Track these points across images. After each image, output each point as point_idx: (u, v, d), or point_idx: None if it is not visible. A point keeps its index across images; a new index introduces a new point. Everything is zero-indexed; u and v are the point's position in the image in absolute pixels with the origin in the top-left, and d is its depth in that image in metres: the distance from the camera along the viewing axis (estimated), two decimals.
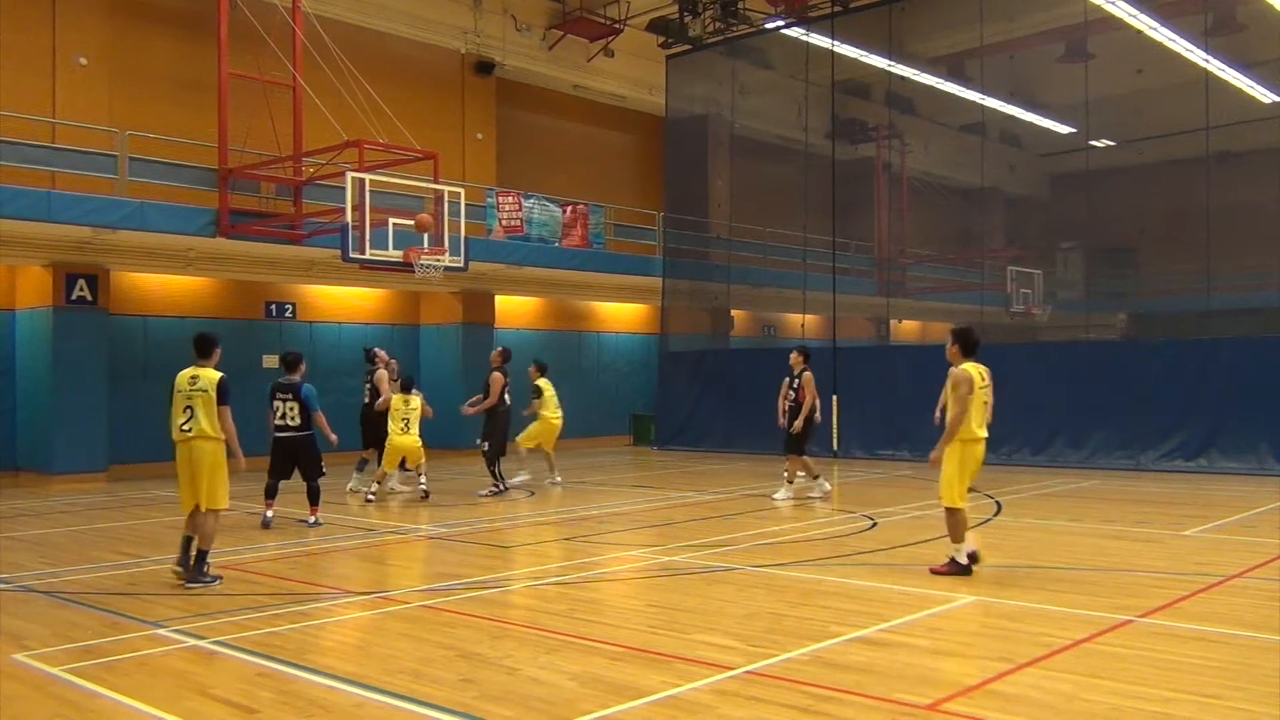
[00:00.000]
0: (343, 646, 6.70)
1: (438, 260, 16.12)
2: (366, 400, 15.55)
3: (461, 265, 16.79)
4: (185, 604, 7.74)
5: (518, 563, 9.79)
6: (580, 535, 11.07)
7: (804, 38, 23.42)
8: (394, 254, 15.80)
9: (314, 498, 12.01)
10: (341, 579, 8.90)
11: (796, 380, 13.81)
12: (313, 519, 11.92)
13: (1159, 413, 17.45)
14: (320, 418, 11.89)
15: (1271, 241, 23.68)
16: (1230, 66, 22.52)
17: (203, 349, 8.89)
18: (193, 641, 6.62)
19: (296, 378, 11.96)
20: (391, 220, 15.77)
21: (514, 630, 6.93)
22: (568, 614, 7.37)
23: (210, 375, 8.56)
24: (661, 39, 24.91)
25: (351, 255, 15.39)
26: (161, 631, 6.87)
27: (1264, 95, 23.81)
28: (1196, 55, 21.36)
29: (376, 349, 16.07)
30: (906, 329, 32.29)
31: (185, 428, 8.43)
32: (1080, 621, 6.87)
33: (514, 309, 24.12)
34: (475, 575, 8.93)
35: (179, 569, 8.45)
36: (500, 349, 15.88)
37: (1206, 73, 20.88)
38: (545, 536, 11.07)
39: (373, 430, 15.22)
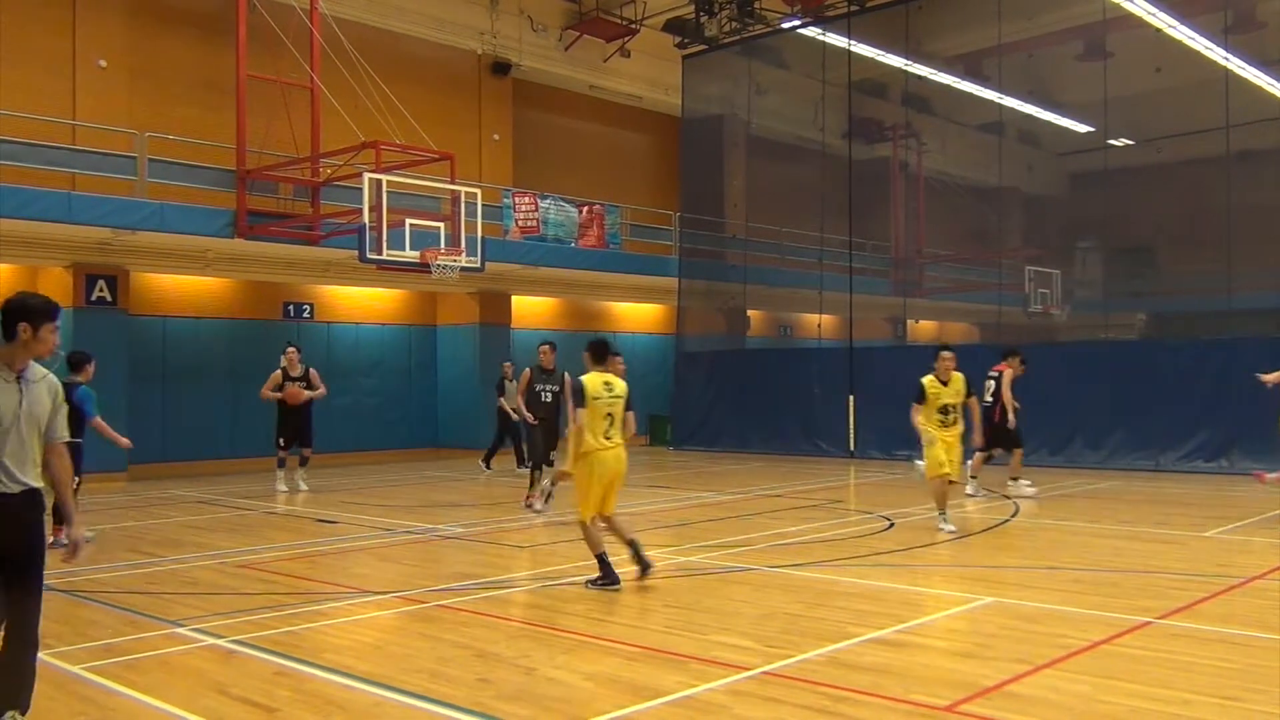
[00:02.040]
0: (360, 646, 6.72)
1: (454, 261, 16.15)
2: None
3: (478, 266, 16.82)
4: (204, 603, 7.79)
5: (534, 563, 9.81)
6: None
7: (820, 37, 23.37)
8: (411, 255, 15.85)
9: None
10: (359, 578, 8.94)
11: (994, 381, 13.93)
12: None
13: (1179, 413, 17.33)
14: (99, 423, 10.43)
15: None
16: (1250, 64, 22.35)
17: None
18: (211, 640, 6.66)
19: (80, 379, 10.30)
20: (408, 221, 15.83)
21: (530, 630, 6.94)
22: (584, 614, 7.37)
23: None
24: (678, 39, 24.89)
25: (369, 256, 15.44)
26: (181, 630, 6.91)
27: None
28: (1216, 53, 21.20)
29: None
30: (923, 329, 32.16)
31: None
32: (1098, 623, 6.84)
33: (530, 309, 24.15)
34: (492, 575, 8.95)
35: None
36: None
37: (1226, 71, 20.73)
38: (561, 536, 11.08)
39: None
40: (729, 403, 23.23)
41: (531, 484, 13.15)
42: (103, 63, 17.77)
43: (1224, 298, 20.80)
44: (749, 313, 26.45)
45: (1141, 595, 7.77)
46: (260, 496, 14.99)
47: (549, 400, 12.98)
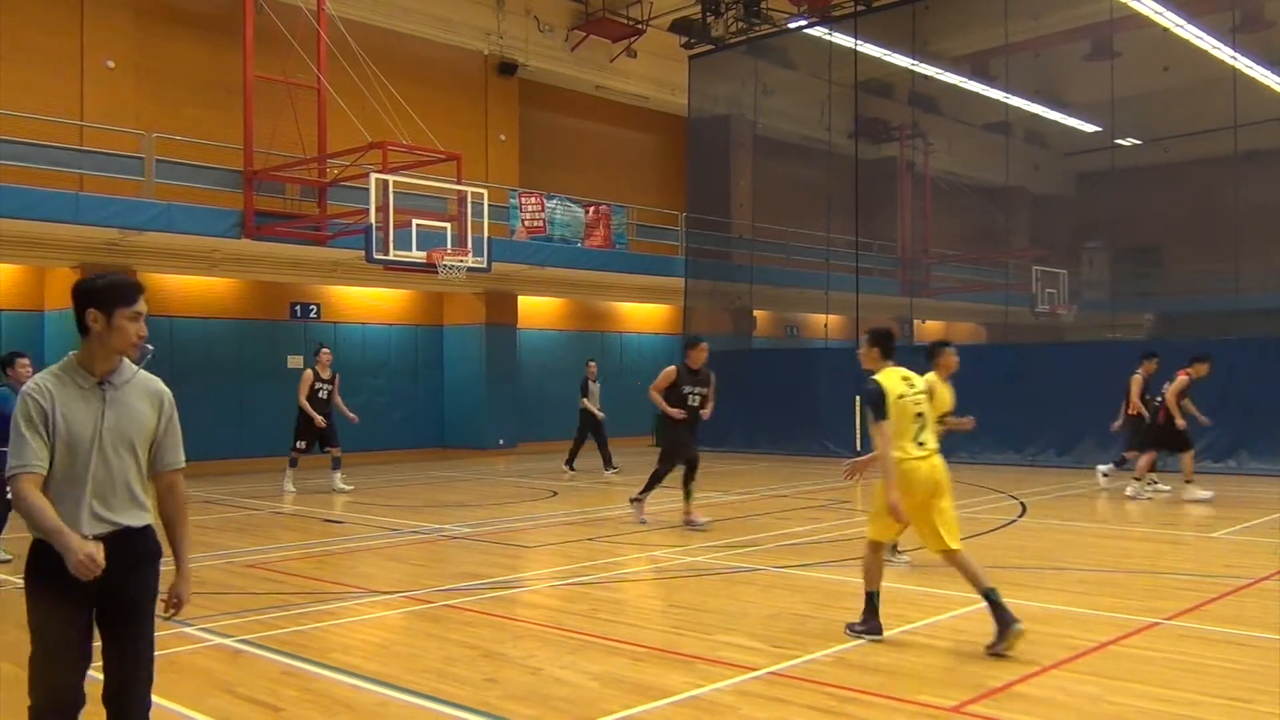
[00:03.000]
0: (367, 645, 6.73)
1: (461, 261, 16.16)
2: None
3: (484, 266, 16.83)
4: (211, 603, 7.80)
5: (540, 563, 9.81)
6: (602, 535, 11.08)
7: (827, 37, 23.35)
8: (417, 255, 15.87)
9: None
10: (365, 578, 8.95)
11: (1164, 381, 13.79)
12: None
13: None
14: None
15: None
16: (1258, 64, 22.30)
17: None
18: (219, 640, 6.67)
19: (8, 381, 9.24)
20: (415, 221, 15.84)
21: (537, 630, 6.94)
22: (590, 614, 7.38)
23: None
24: (684, 39, 24.89)
25: (375, 256, 15.46)
26: (188, 630, 6.92)
27: None
28: (1224, 52, 21.16)
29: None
30: (930, 329, 32.12)
31: None
32: (1105, 624, 6.82)
33: (537, 309, 24.17)
34: (498, 575, 8.95)
35: None
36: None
37: (1234, 70, 20.68)
38: (567, 536, 11.09)
39: None
40: (735, 403, 23.16)
41: (647, 488, 11.86)
42: (110, 63, 17.81)
43: (1231, 297, 20.75)
44: (755, 313, 26.43)
45: (1149, 596, 7.75)
46: (267, 496, 15.02)
47: (695, 404, 11.65)
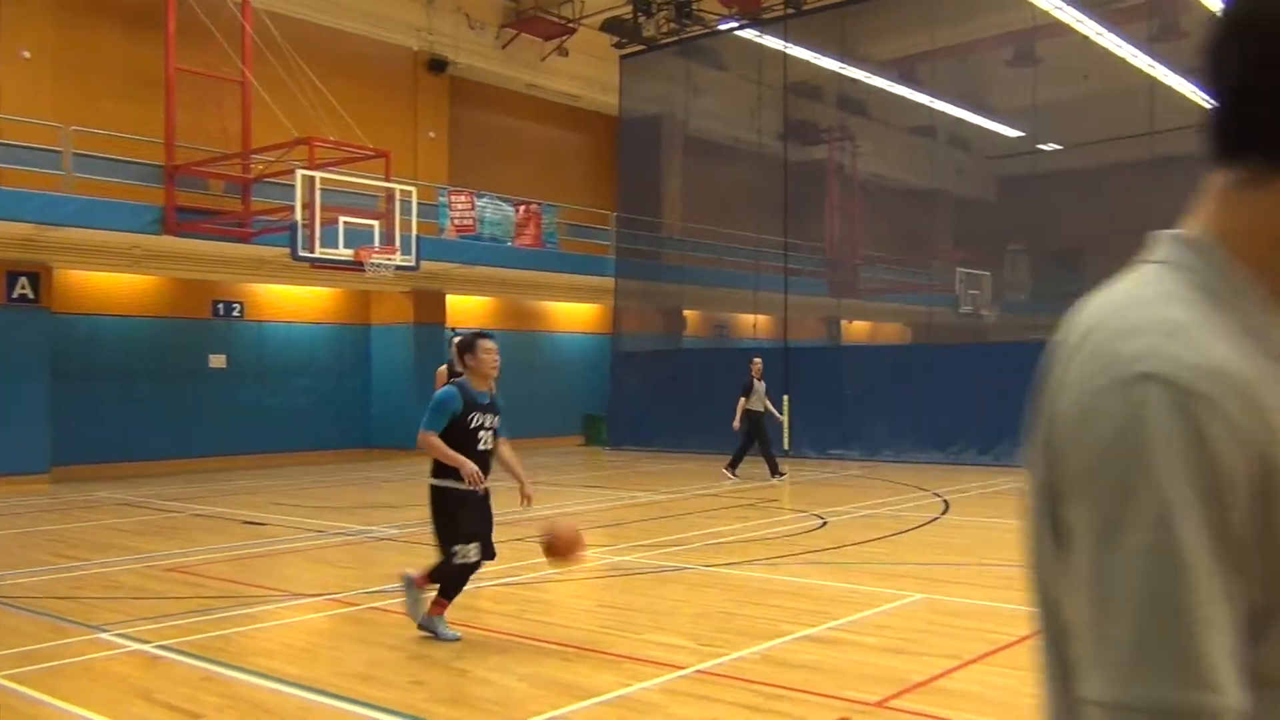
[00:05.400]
0: (290, 649, 6.63)
1: (389, 259, 16.00)
2: None
3: (413, 264, 16.69)
4: (129, 607, 7.63)
5: None
6: (531, 535, 11.01)
7: (757, 39, 23.53)
8: (344, 253, 15.68)
9: None
10: (289, 581, 8.81)
11: None
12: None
13: None
14: None
15: None
16: (1174, 72, 22.94)
17: None
18: (136, 646, 6.52)
19: None
20: (342, 219, 15.65)
21: (463, 631, 6.90)
22: (518, 615, 7.35)
23: None
24: (615, 39, 24.90)
25: (301, 254, 15.25)
26: (104, 636, 6.76)
27: (1207, 101, 24.25)
28: (1141, 61, 21.74)
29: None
30: (857, 330, 32.56)
31: None
32: (1025, 618, 6.95)
33: (466, 308, 24.00)
34: None
35: None
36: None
37: (1151, 78, 21.27)
38: (496, 537, 11.00)
39: None
40: (665, 402, 23.29)
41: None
42: (26, 54, 17.30)
43: None
44: (685, 313, 26.55)
45: None
46: (188, 499, 14.72)
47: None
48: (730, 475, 16.33)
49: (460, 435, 6.42)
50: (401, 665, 6.01)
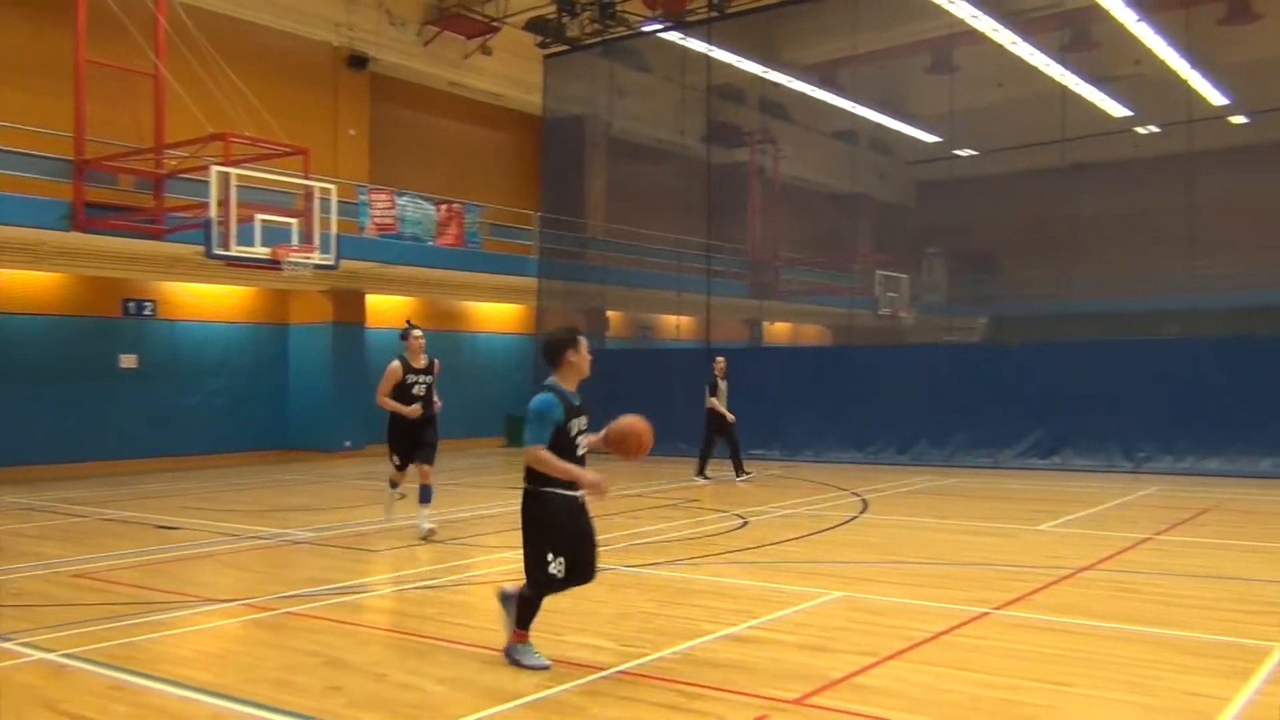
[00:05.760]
0: (202, 656, 6.48)
1: (307, 258, 15.75)
2: None
3: (332, 263, 16.44)
4: (33, 615, 7.39)
5: (386, 567, 9.62)
6: (451, 538, 10.94)
7: (681, 42, 23.62)
8: (261, 251, 15.38)
9: None
10: (202, 586, 8.62)
11: None
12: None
13: (1016, 412, 18.14)
14: None
15: (1123, 249, 24.87)
16: (1085, 81, 23.59)
17: None
18: (40, 655, 6.31)
19: None
20: (259, 216, 15.35)
21: (383, 636, 6.81)
22: (437, 618, 7.28)
23: None
24: (539, 39, 24.81)
25: (216, 252, 14.93)
26: (7, 645, 6.53)
27: (1115, 110, 25.01)
28: (1054, 70, 22.30)
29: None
30: (778, 330, 32.88)
31: None
32: (941, 614, 7.09)
33: (386, 308, 23.71)
34: (343, 580, 8.74)
35: None
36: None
37: (1063, 87, 21.82)
38: (414, 539, 10.91)
39: None
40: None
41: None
42: None
43: (1059, 302, 21.88)
44: (608, 313, 26.55)
45: (980, 587, 8.10)
46: (94, 503, 14.31)
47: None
48: (702, 479, 16.21)
49: (561, 444, 5.83)
50: (318, 670, 5.91)
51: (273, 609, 7.55)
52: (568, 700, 5.31)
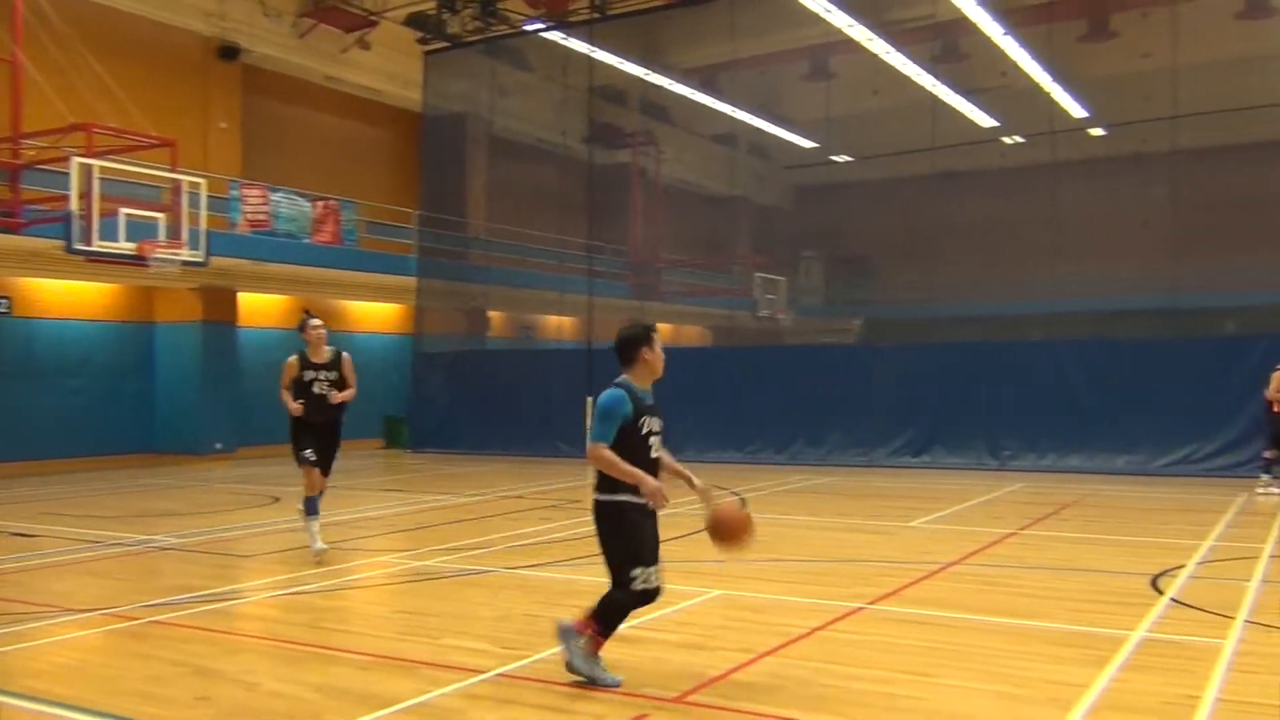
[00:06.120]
0: (60, 669, 6.20)
1: (174, 254, 15.24)
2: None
3: (201, 260, 15.95)
4: None
5: (258, 573, 9.36)
6: (328, 541, 10.70)
7: (563, 42, 23.59)
8: (126, 246, 14.82)
9: None
10: (62, 596, 8.24)
11: None
12: None
13: (889, 412, 18.64)
14: None
15: (990, 255, 25.76)
16: (955, 92, 24.36)
17: None
18: None
19: None
20: (123, 210, 14.79)
21: (253, 643, 6.63)
22: (312, 624, 7.11)
23: None
24: (419, 35, 24.48)
25: (77, 247, 14.33)
26: None
27: (984, 120, 25.90)
28: (926, 80, 22.97)
29: None
30: (660, 331, 33.05)
31: None
32: (817, 611, 7.24)
33: (259, 307, 23.09)
34: (212, 587, 8.47)
35: None
36: None
37: (934, 97, 22.50)
38: (289, 544, 10.64)
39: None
40: (468, 404, 23.05)
41: None
42: None
43: (931, 306, 22.55)
44: (489, 313, 26.35)
45: (855, 583, 8.29)
46: None
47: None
48: None
49: (631, 443, 5.44)
50: (185, 681, 5.71)
51: (137, 618, 7.27)
52: (446, 705, 5.25)
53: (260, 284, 22.16)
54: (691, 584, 8.18)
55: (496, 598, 7.84)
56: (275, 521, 12.22)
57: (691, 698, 5.29)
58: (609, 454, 5.37)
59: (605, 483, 5.45)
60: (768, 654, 6.11)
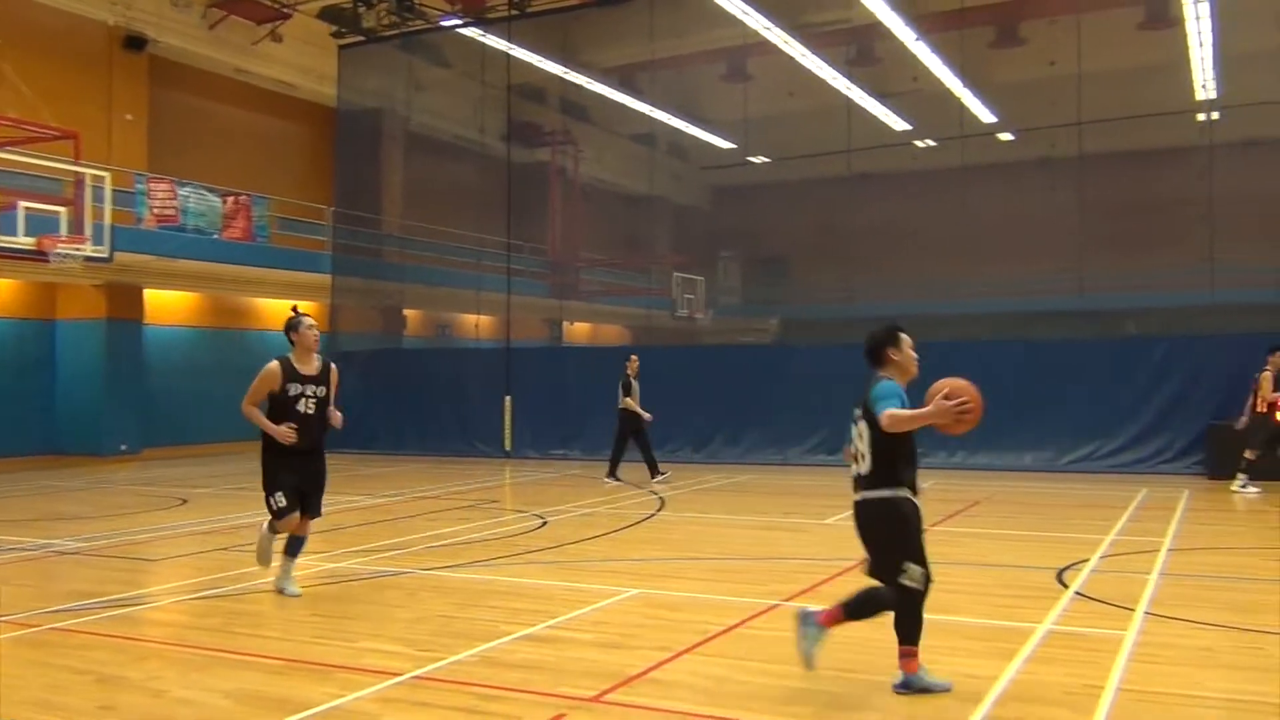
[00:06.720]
0: None
1: (77, 249, 14.78)
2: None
3: (105, 256, 15.52)
4: None
5: (165, 577, 9.11)
6: (236, 545, 10.46)
7: (480, 38, 23.42)
8: (25, 241, 14.35)
9: None
10: None
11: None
12: None
13: (805, 411, 18.82)
14: None
15: (905, 255, 26.23)
16: (869, 95, 24.75)
17: None
18: None
19: None
20: (22, 204, 14.31)
21: (161, 649, 6.45)
22: (222, 628, 6.94)
23: None
24: (334, 28, 24.08)
25: None
26: None
27: (896, 123, 26.35)
28: (841, 83, 23.28)
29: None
30: (578, 331, 33.06)
31: None
32: (734, 608, 7.28)
33: (167, 304, 22.51)
34: (115, 592, 8.22)
35: None
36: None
37: (849, 99, 22.82)
38: (196, 547, 10.38)
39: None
40: (384, 403, 22.73)
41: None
42: None
43: (845, 306, 22.87)
44: (406, 312, 26.04)
45: (772, 580, 8.36)
46: None
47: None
48: (612, 480, 15.48)
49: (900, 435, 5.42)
50: (88, 690, 5.53)
51: (36, 625, 7.02)
52: (360, 709, 5.17)
53: (168, 281, 21.60)
54: (609, 583, 8.17)
55: (413, 599, 7.75)
56: (183, 524, 11.92)
57: (610, 696, 5.28)
58: (906, 412, 5.48)
59: (882, 478, 5.52)
60: (685, 652, 6.12)
